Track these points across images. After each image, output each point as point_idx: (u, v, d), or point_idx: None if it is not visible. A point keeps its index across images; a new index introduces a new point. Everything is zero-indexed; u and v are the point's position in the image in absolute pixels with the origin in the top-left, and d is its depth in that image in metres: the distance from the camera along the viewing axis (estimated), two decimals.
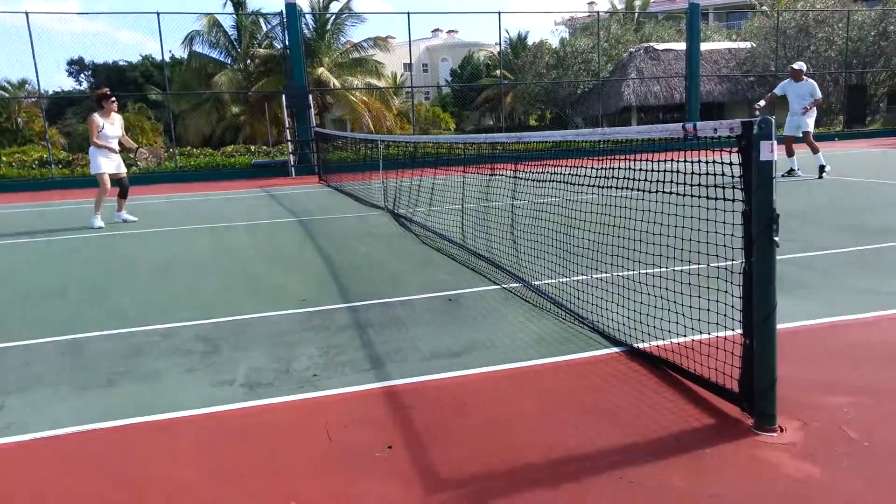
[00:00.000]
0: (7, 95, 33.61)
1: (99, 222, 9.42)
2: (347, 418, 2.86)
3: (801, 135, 11.53)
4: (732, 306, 2.84)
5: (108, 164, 9.53)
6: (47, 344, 4.10)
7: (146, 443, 2.74)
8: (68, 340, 4.15)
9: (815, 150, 11.41)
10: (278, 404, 3.04)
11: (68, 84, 43.98)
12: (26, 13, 17.35)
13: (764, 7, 32.32)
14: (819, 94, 11.54)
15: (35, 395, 3.26)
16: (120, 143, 9.70)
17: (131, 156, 10.64)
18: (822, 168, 11.28)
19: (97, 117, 9.38)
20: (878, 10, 26.87)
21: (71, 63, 43.12)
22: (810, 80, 11.59)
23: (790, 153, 11.59)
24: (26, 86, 33.44)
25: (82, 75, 44.77)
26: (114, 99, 9.53)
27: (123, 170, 9.84)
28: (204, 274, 6.02)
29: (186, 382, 3.35)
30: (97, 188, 9.66)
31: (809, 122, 11.55)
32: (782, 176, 11.20)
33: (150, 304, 5.02)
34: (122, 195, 9.87)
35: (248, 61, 29.23)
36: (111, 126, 9.49)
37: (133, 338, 4.14)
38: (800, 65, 11.71)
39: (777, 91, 11.97)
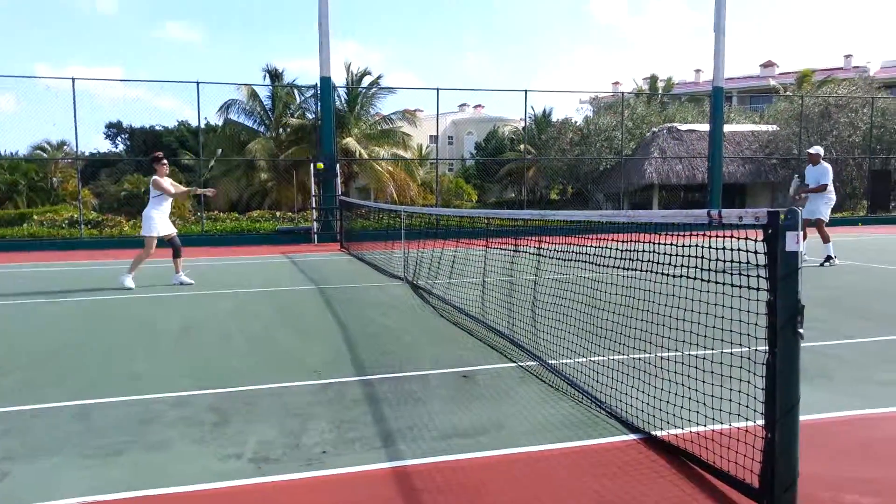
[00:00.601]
0: (46, 156, 34.80)
1: (130, 283, 9.51)
2: (355, 499, 2.78)
3: (814, 220, 11.13)
4: (754, 397, 2.76)
5: (163, 227, 9.74)
6: (57, 408, 4.08)
7: None
8: (79, 406, 4.13)
9: (825, 240, 11.00)
10: (284, 482, 2.97)
11: (104, 146, 45.55)
12: (72, 79, 18.15)
13: (788, 92, 32.80)
14: (825, 180, 11.08)
15: (40, 463, 3.23)
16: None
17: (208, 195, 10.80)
18: (828, 258, 10.85)
19: (160, 179, 9.62)
20: None
21: (109, 126, 44.77)
22: (824, 164, 11.28)
23: (823, 239, 11.11)
24: (64, 147, 34.67)
25: (119, 138, 46.37)
26: (165, 162, 9.82)
27: (174, 230, 10.02)
28: (221, 341, 6.02)
29: (194, 455, 3.30)
30: (140, 249, 9.81)
31: (824, 210, 11.19)
32: (821, 264, 10.81)
33: (165, 370, 5.02)
34: (177, 255, 9.94)
35: (280, 130, 30.10)
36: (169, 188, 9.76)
37: (144, 405, 4.12)
38: (816, 149, 11.51)
39: (805, 181, 11.56)
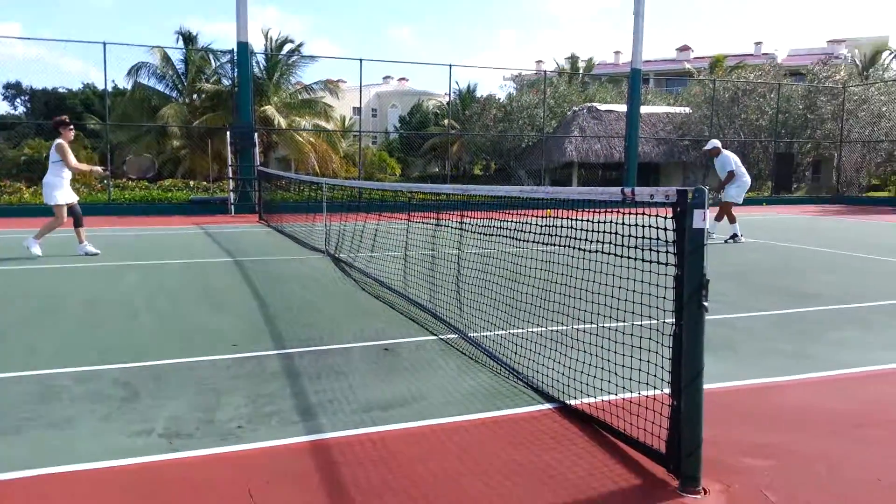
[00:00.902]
0: None
1: (37, 250, 9.07)
2: (271, 474, 2.74)
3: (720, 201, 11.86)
4: (662, 367, 2.88)
5: (68, 196, 9.27)
6: None
7: (52, 496, 2.56)
8: None
9: (731, 220, 11.69)
10: (198, 458, 2.90)
11: (2, 108, 42.58)
12: None
13: (701, 76, 34.03)
14: (729, 167, 11.71)
15: None
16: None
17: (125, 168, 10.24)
18: (734, 236, 11.55)
19: (64, 143, 9.10)
20: (805, 85, 28.63)
21: (7, 86, 41.85)
22: (724, 154, 11.89)
23: (729, 220, 11.78)
24: None
25: (18, 99, 43.43)
26: (71, 127, 9.31)
27: (76, 198, 9.54)
28: (130, 314, 5.78)
29: (101, 431, 3.17)
30: (49, 217, 9.30)
31: (733, 192, 11.82)
32: (725, 241, 11.51)
33: (69, 344, 4.78)
34: (78, 223, 9.45)
35: (194, 95, 28.90)
36: (73, 155, 9.28)
37: (47, 380, 3.91)
38: (712, 143, 12.15)
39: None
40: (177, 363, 4.28)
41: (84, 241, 9.48)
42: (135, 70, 27.13)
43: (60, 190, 9.15)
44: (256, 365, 4.24)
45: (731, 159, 11.83)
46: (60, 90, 38.09)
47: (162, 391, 3.74)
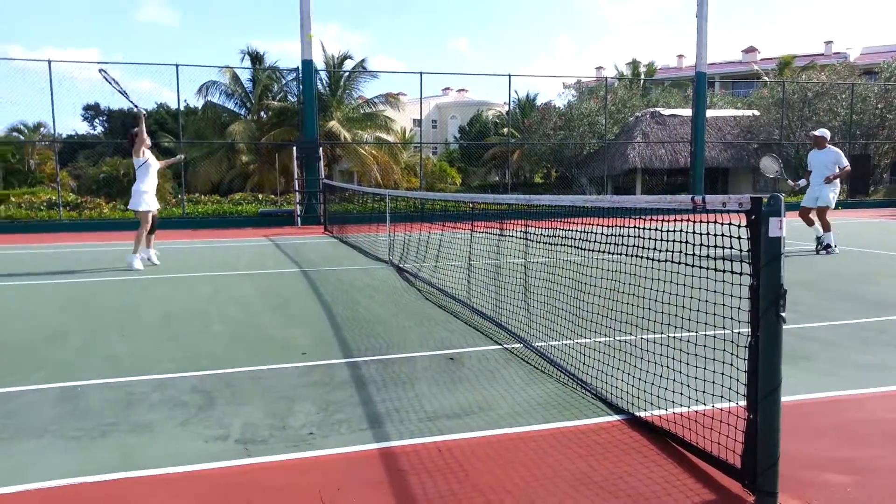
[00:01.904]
0: (22, 138, 34.19)
1: (138, 264, 9.50)
2: (342, 481, 2.80)
3: (816, 206, 10.50)
4: (737, 379, 2.80)
5: (153, 200, 9.73)
6: (39, 390, 4.05)
7: (131, 499, 2.68)
8: (62, 388, 4.10)
9: (826, 228, 10.43)
10: (271, 463, 2.98)
11: (82, 128, 44.80)
12: (49, 61, 17.82)
13: (769, 77, 32.98)
14: (845, 163, 10.44)
15: (23, 446, 3.21)
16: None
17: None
18: (827, 246, 10.35)
19: (145, 151, 9.58)
20: (881, 84, 27.40)
21: (87, 108, 44.03)
22: (834, 148, 10.60)
23: (809, 223, 10.68)
24: (41, 129, 34.07)
25: (97, 120, 45.64)
26: (139, 133, 9.73)
27: (157, 206, 10.00)
28: (205, 323, 5.99)
29: (179, 436, 3.30)
30: (136, 230, 9.81)
31: (830, 196, 10.38)
32: (817, 251, 10.44)
33: (148, 352, 4.99)
34: (152, 231, 9.93)
35: (262, 113, 29.79)
36: (155, 160, 9.76)
37: (128, 387, 4.10)
38: (822, 132, 10.77)
39: (809, 167, 10.91)
40: (249, 371, 4.41)
41: (151, 247, 9.89)
42: (205, 88, 28.19)
43: (147, 197, 9.60)
44: (325, 373, 4.33)
45: (843, 154, 10.46)
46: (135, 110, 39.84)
47: (236, 398, 3.86)
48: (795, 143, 26.54)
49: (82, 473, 2.88)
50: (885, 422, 3.43)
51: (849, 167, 10.51)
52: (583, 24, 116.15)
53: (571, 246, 4.42)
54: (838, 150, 10.68)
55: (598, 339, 4.38)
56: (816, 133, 10.80)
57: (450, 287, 7.08)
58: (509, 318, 5.39)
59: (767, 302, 2.49)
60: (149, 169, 9.64)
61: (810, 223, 10.69)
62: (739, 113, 30.07)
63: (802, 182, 10.97)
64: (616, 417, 3.47)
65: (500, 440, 3.21)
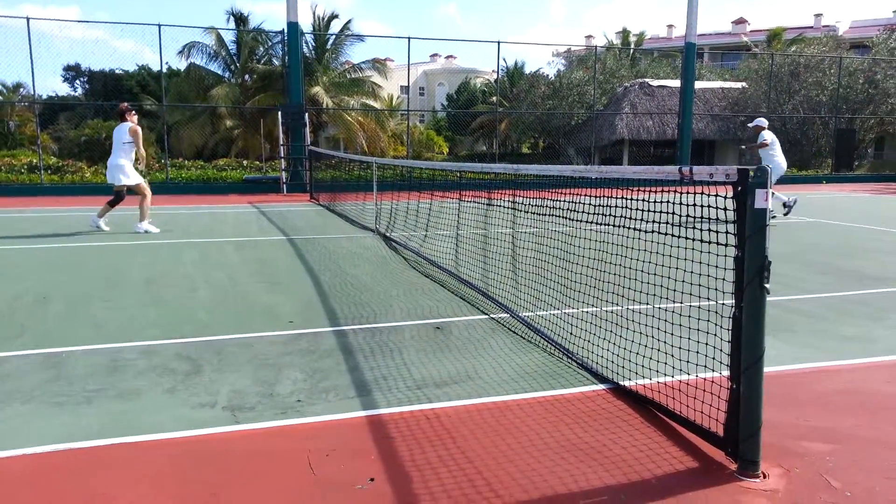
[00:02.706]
0: (1, 99, 33.48)
1: (152, 228, 9.69)
2: (330, 447, 2.82)
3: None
4: (720, 349, 2.84)
5: (135, 174, 9.82)
6: (24, 356, 4.03)
7: (120, 465, 2.69)
8: (46, 354, 4.08)
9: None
10: (259, 430, 2.99)
11: (63, 89, 43.91)
12: (27, 18, 17.38)
13: (756, 49, 32.88)
14: (761, 140, 11.76)
15: (9, 411, 3.20)
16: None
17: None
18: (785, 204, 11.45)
19: (139, 129, 9.69)
20: (869, 59, 27.43)
21: (67, 69, 43.07)
22: (766, 134, 11.82)
23: None
24: (21, 89, 33.35)
25: (77, 81, 44.71)
26: (135, 112, 9.88)
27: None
28: (190, 290, 5.96)
29: (166, 403, 3.30)
30: (139, 197, 9.90)
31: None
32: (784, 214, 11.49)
33: (133, 319, 4.96)
34: (113, 204, 9.89)
35: (246, 76, 29.31)
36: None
37: (114, 354, 4.08)
38: (759, 121, 12.07)
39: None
40: (236, 338, 4.41)
41: (103, 218, 9.92)
42: (187, 49, 27.61)
43: (129, 168, 9.69)
44: (312, 341, 4.34)
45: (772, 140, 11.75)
46: (117, 71, 39.05)
47: (223, 365, 3.86)
48: (782, 116, 26.59)
49: (69, 439, 2.88)
50: (865, 392, 3.50)
51: (761, 142, 11.65)
52: None
53: (559, 216, 4.43)
54: (766, 134, 11.75)
55: (584, 310, 4.42)
56: (751, 124, 12.13)
57: (437, 256, 7.08)
58: (496, 288, 5.42)
59: (752, 273, 2.51)
60: (132, 149, 9.72)
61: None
62: (727, 85, 30.04)
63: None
64: (601, 386, 3.51)
65: (487, 408, 3.24)
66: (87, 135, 24.30)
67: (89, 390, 3.46)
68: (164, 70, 21.31)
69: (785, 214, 11.36)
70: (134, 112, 9.88)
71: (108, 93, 37.31)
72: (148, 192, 9.91)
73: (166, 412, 3.19)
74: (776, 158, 11.75)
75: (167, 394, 3.42)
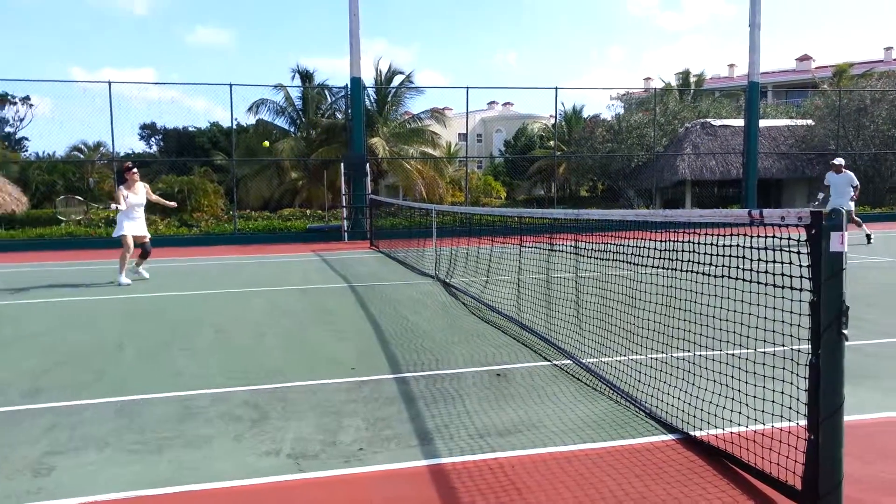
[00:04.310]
0: (83, 157, 35.54)
1: (125, 280, 10.00)
2: (391, 497, 2.80)
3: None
4: (796, 398, 2.72)
5: (131, 227, 10.24)
6: (100, 404, 4.18)
7: None
8: (121, 402, 4.22)
9: (859, 225, 13.44)
10: (322, 479, 3.00)
11: (139, 147, 46.31)
12: (109, 82, 18.53)
13: (825, 86, 32.07)
14: (857, 183, 13.36)
15: (85, 458, 3.31)
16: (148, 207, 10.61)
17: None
18: (868, 236, 13.38)
19: (122, 189, 10.23)
20: None
21: (143, 127, 45.53)
22: (849, 172, 13.33)
23: None
24: (101, 148, 35.36)
25: (153, 139, 47.15)
26: (135, 171, 10.39)
27: (146, 233, 10.55)
28: (255, 339, 6.10)
29: (234, 451, 3.35)
30: (119, 249, 10.29)
31: (852, 205, 13.30)
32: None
33: (202, 367, 5.10)
34: (144, 256, 10.53)
35: (311, 130, 30.32)
36: (134, 195, 10.29)
37: (185, 401, 4.19)
38: (839, 160, 13.48)
39: (826, 183, 13.62)
40: (300, 385, 4.47)
41: (141, 266, 10.45)
42: (255, 107, 28.84)
43: (126, 224, 10.11)
44: (374, 388, 4.36)
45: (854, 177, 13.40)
46: (190, 129, 41.04)
47: (288, 413, 3.91)
48: (852, 152, 25.71)
49: (140, 487, 2.95)
50: None
51: (858, 185, 13.51)
52: (632, 31, 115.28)
53: (623, 261, 4.36)
54: (851, 173, 13.43)
55: (651, 356, 4.30)
56: (834, 162, 13.51)
57: (496, 302, 7.05)
58: (559, 334, 5.34)
59: (829, 318, 2.41)
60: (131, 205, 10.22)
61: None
62: (793, 122, 29.30)
63: (821, 196, 13.63)
64: (670, 437, 3.39)
65: (552, 458, 3.17)
66: (161, 189, 25.41)
67: (161, 437, 3.55)
68: (234, 126, 22.29)
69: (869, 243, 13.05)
70: (134, 171, 10.31)
71: (181, 149, 39.18)
72: (128, 248, 10.11)
73: (233, 460, 3.24)
74: (830, 199, 13.18)
75: (234, 441, 3.48)
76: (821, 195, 13.68)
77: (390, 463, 3.15)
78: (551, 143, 34.38)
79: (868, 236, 13.48)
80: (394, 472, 3.07)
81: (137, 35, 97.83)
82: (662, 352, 4.18)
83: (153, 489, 2.93)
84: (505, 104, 56.44)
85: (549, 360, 4.95)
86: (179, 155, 37.18)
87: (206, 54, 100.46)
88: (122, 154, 32.26)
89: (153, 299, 8.58)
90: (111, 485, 2.97)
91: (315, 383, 4.52)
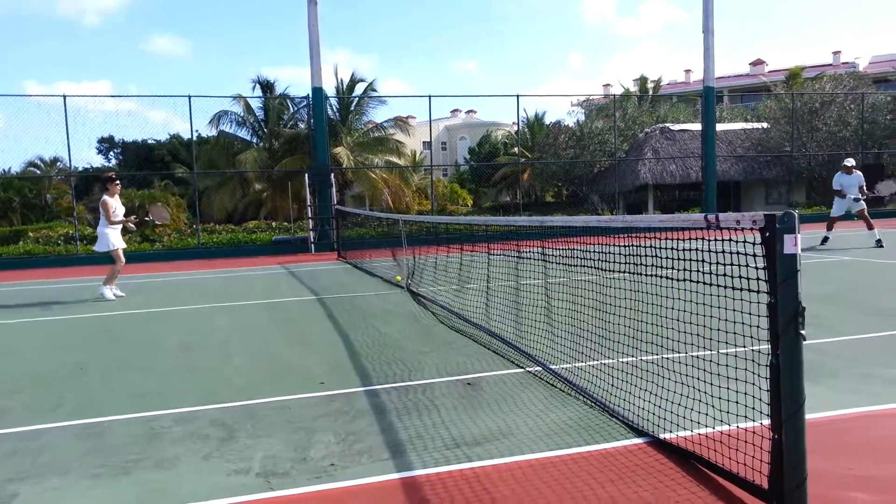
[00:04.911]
0: (39, 173, 34.71)
1: (110, 294, 9.87)
2: None
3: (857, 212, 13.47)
4: (759, 398, 2.78)
5: (120, 241, 10.11)
6: (62, 428, 4.08)
7: None
8: (84, 424, 4.12)
9: (870, 227, 13.22)
10: (293, 496, 2.97)
11: (97, 161, 45.42)
12: (63, 96, 18.16)
13: (778, 90, 32.92)
14: (864, 182, 13.65)
15: (49, 483, 3.23)
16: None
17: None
18: (878, 240, 12.94)
19: (109, 199, 10.02)
20: (891, 93, 27.28)
21: (101, 141, 44.68)
22: (858, 172, 13.59)
23: (830, 228, 13.77)
24: (58, 163, 34.58)
25: (111, 153, 46.28)
26: (118, 182, 10.24)
27: (123, 245, 10.36)
28: (223, 354, 6.02)
29: (202, 470, 3.30)
30: (111, 264, 10.16)
31: (863, 205, 13.56)
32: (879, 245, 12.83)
33: (167, 386, 5.01)
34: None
35: (273, 140, 30.09)
36: (119, 206, 10.18)
37: (150, 422, 4.11)
38: (851, 161, 13.82)
39: (835, 186, 13.81)
40: (269, 402, 4.42)
41: (112, 285, 10.18)
42: (216, 118, 28.53)
43: (112, 237, 9.98)
44: (345, 402, 4.33)
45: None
46: (149, 141, 40.40)
47: (257, 430, 3.86)
48: (806, 154, 26.42)
49: None
50: None
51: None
52: (593, 41, 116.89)
53: (590, 266, 4.41)
54: (860, 173, 13.72)
55: (619, 360, 4.36)
56: (846, 162, 13.79)
57: (466, 310, 7.08)
58: (528, 341, 5.38)
59: (786, 319, 2.47)
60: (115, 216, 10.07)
61: (831, 228, 13.80)
62: (749, 126, 30.03)
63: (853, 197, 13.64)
64: (640, 440, 3.44)
65: (524, 466, 3.19)
66: (122, 204, 24.97)
67: (126, 460, 3.48)
68: (195, 138, 21.99)
69: (880, 245, 12.75)
70: (116, 182, 10.14)
71: (140, 162, 38.55)
72: (120, 261, 10.07)
73: (201, 480, 3.19)
74: (838, 200, 13.60)
75: (202, 461, 3.43)
76: (853, 197, 13.48)
77: (362, 477, 3.14)
78: (515, 149, 34.64)
79: (879, 241, 12.96)
80: (366, 486, 3.05)
81: (92, 47, 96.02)
82: (630, 355, 4.24)
83: None
84: (468, 112, 56.73)
85: (521, 367, 4.98)
86: (139, 168, 36.57)
87: (163, 65, 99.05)
88: (79, 169, 31.63)
89: (116, 318, 8.40)
90: None
91: (284, 399, 4.47)
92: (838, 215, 13.86)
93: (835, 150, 26.11)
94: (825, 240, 13.60)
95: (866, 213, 13.36)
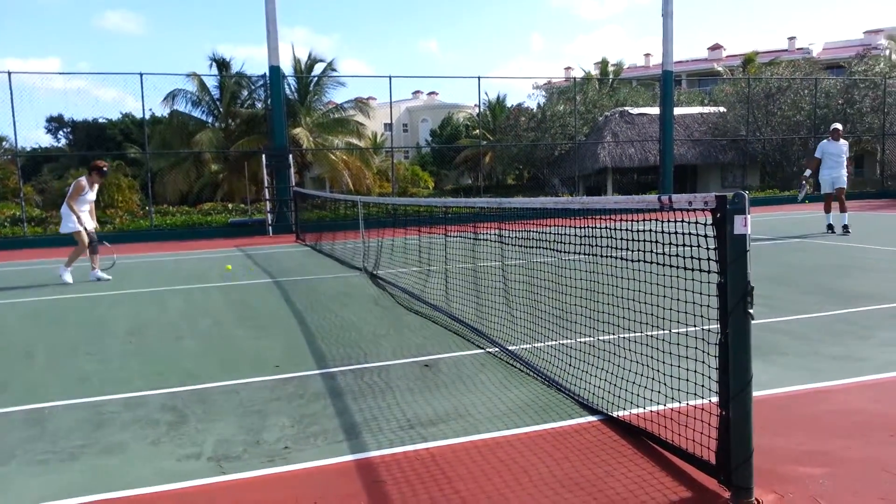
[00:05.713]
0: None
1: (69, 278, 9.52)
2: (318, 494, 2.76)
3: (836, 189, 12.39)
4: (708, 376, 2.83)
5: (89, 221, 9.77)
6: (5, 414, 3.95)
7: None
8: (29, 410, 4.00)
9: (844, 209, 12.32)
10: (246, 480, 2.93)
11: (46, 141, 43.94)
12: (9, 73, 17.45)
13: (734, 74, 33.49)
14: (849, 154, 12.61)
15: None
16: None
17: (94, 243, 10.53)
18: (845, 227, 12.08)
19: (84, 182, 9.63)
20: (843, 79, 27.99)
21: (50, 120, 43.18)
22: (844, 140, 12.53)
23: (829, 209, 12.53)
24: (3, 143, 33.36)
25: (61, 132, 44.80)
26: (102, 173, 9.80)
27: (93, 226, 9.96)
28: (175, 338, 5.90)
29: (151, 456, 3.23)
30: (73, 246, 9.72)
31: (844, 177, 12.43)
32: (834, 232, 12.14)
33: (118, 370, 4.89)
34: (94, 251, 9.83)
35: (230, 120, 29.48)
36: (91, 194, 9.78)
37: (98, 407, 4.01)
38: (838, 125, 12.65)
39: (817, 155, 12.67)
40: (222, 386, 4.35)
41: (97, 268, 9.89)
42: (170, 97, 27.82)
43: (72, 219, 9.56)
44: (299, 385, 4.29)
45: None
46: (101, 121, 39.20)
47: (208, 414, 3.80)
48: (761, 138, 26.99)
49: (51, 498, 2.80)
50: (856, 412, 3.48)
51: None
52: (555, 22, 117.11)
53: (546, 248, 4.43)
54: (823, 146, 12.61)
55: (574, 340, 4.40)
56: (837, 126, 12.63)
57: (425, 292, 7.06)
58: (486, 321, 5.39)
59: (735, 299, 2.51)
60: (79, 201, 9.64)
61: (829, 209, 12.50)
62: (706, 110, 30.51)
63: (808, 173, 12.78)
64: (594, 418, 3.48)
65: (479, 446, 3.20)
66: (71, 185, 24.23)
67: (73, 446, 3.39)
68: (148, 118, 21.41)
69: (845, 233, 11.95)
70: (99, 172, 9.67)
71: (91, 142, 37.39)
72: (83, 244, 9.65)
73: (151, 465, 3.12)
74: (822, 172, 12.38)
75: (152, 446, 3.35)
76: (807, 173, 12.76)
77: (317, 459, 3.11)
78: (476, 132, 34.64)
79: (845, 227, 12.17)
80: (321, 468, 3.02)
81: (40, 21, 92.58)
82: (586, 335, 4.29)
83: (67, 499, 2.79)
84: (430, 94, 56.43)
85: (479, 348, 4.99)
86: (90, 148, 35.48)
87: (115, 41, 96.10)
88: (27, 149, 30.56)
89: (62, 301, 8.17)
90: (20, 498, 2.81)
91: (237, 383, 4.40)
92: (831, 190, 12.51)
93: (788, 135, 26.73)
94: (830, 226, 12.46)
95: (843, 195, 12.38)
